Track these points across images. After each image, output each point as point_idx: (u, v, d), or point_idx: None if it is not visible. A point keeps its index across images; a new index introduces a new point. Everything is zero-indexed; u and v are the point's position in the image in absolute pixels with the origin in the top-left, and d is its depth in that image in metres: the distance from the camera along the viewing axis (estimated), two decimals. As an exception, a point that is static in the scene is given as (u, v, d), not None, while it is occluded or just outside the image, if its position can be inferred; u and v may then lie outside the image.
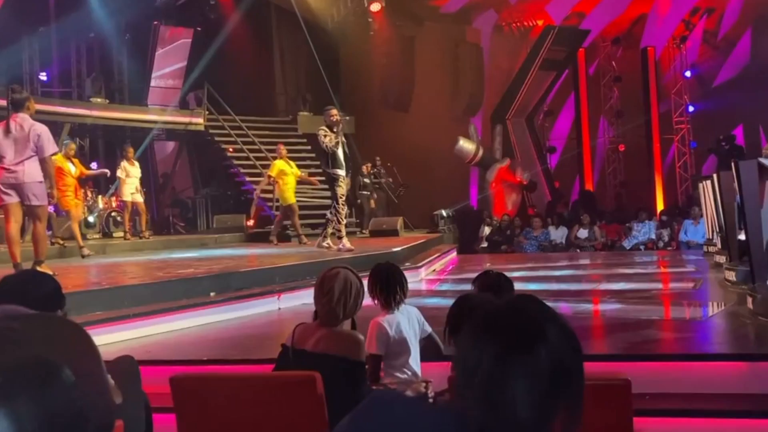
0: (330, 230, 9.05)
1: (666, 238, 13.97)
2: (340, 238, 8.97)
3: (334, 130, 8.74)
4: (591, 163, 17.87)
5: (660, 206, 16.33)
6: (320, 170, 10.34)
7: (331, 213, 9.03)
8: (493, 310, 1.06)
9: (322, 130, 8.80)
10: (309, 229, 13.76)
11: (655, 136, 17.03)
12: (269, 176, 11.73)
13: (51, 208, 12.66)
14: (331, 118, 8.81)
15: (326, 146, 8.64)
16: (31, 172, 5.94)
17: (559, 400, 0.98)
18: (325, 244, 9.04)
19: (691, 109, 16.91)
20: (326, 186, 9.95)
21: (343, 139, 8.94)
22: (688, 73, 16.99)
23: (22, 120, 5.99)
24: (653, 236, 14.02)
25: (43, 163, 5.99)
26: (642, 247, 13.80)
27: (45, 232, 6.47)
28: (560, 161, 18.17)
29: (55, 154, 6.40)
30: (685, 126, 16.96)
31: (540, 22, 17.59)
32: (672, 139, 17.04)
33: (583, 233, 14.39)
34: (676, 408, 3.38)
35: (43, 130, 6.05)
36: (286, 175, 11.39)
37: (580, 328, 4.97)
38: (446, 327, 2.46)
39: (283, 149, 11.91)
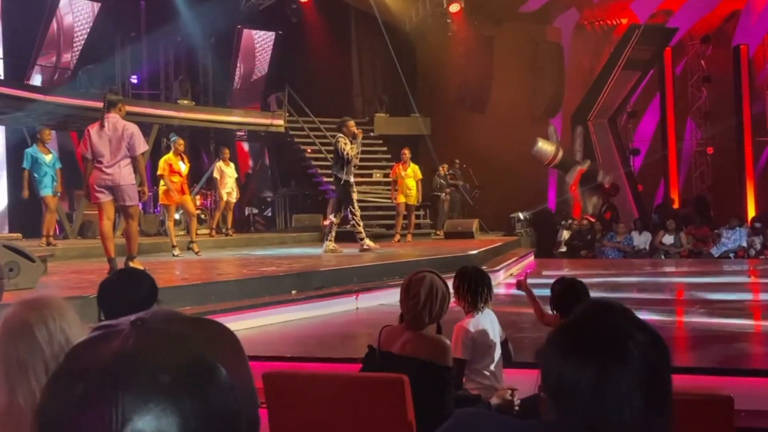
0: (358, 232, 9.53)
1: (758, 246, 13.26)
2: (361, 239, 9.46)
3: (352, 140, 9.19)
4: (677, 167, 17.16)
5: (751, 212, 15.51)
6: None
7: (349, 218, 9.45)
8: (574, 326, 1.06)
9: (342, 138, 9.22)
10: (384, 229, 13.90)
11: (747, 138, 16.17)
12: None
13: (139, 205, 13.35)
14: (351, 129, 9.26)
15: (346, 154, 9.08)
16: (125, 174, 6.21)
17: (655, 402, 0.99)
18: (365, 246, 9.51)
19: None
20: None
21: (359, 149, 9.46)
22: (784, 72, 16.10)
23: (115, 120, 6.24)
24: (744, 244, 13.34)
25: (135, 161, 6.24)
26: (732, 255, 13.15)
27: (137, 229, 6.77)
28: (644, 164, 17.53)
29: (145, 151, 6.66)
30: (781, 128, 16.06)
31: (624, 21, 17.03)
32: (765, 141, 16.16)
33: (668, 239, 13.84)
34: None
35: (135, 129, 6.32)
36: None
37: (668, 339, 4.79)
38: (553, 308, 3.11)
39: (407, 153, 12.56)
